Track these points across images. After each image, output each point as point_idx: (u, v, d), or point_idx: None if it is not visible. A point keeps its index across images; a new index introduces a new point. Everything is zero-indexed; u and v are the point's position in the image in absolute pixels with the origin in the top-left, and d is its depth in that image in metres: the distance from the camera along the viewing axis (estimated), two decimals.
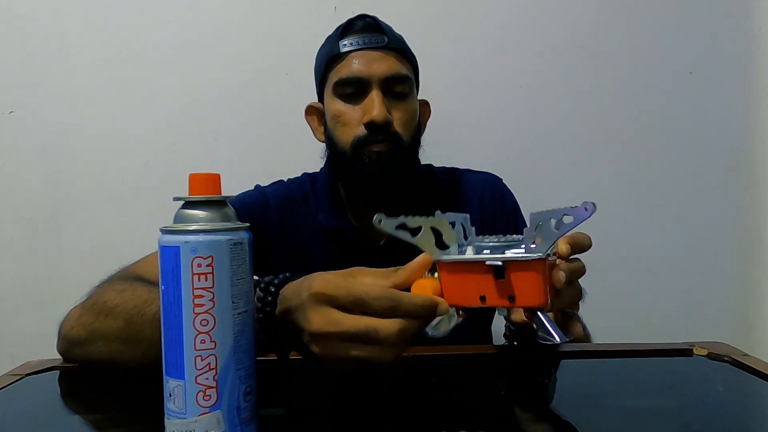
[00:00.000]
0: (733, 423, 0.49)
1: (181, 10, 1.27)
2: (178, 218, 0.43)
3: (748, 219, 1.34)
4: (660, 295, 1.32)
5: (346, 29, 0.86)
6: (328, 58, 0.86)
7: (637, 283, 1.30)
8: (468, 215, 0.53)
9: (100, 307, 0.62)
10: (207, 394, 0.40)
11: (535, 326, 0.47)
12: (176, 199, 0.43)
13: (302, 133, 0.99)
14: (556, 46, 1.30)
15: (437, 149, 0.98)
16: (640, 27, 1.31)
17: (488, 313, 0.56)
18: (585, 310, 0.61)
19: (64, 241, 1.27)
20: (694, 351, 0.67)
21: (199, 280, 0.40)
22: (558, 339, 0.45)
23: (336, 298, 0.46)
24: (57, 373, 0.65)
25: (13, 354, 0.93)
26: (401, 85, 0.84)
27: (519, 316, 0.59)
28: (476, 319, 0.53)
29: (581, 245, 0.52)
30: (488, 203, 0.93)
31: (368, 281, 0.47)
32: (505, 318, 0.66)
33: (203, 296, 0.40)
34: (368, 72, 0.82)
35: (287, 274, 0.54)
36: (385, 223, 0.48)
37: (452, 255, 0.49)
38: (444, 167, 1.00)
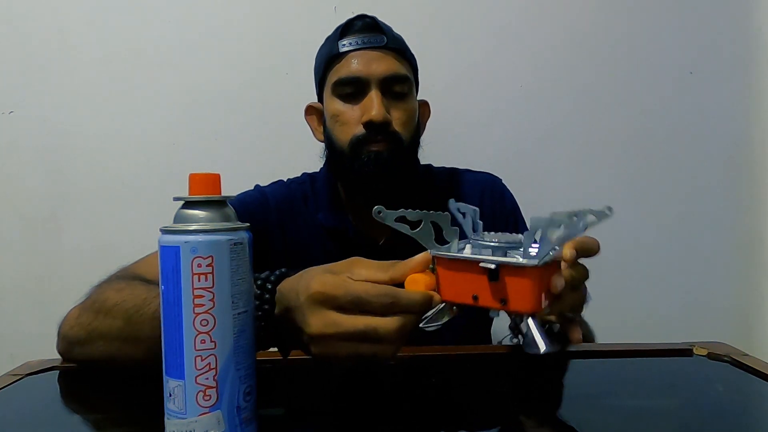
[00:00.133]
0: (733, 423, 0.49)
1: (181, 10, 1.27)
2: (178, 218, 0.43)
3: (748, 219, 1.34)
4: (660, 295, 1.32)
5: (345, 29, 0.86)
6: (328, 58, 0.86)
7: (637, 283, 1.30)
8: (478, 209, 0.53)
9: (99, 306, 0.62)
10: (207, 394, 0.40)
11: (524, 331, 0.46)
12: (176, 199, 0.43)
13: (302, 133, 0.99)
14: (556, 46, 1.30)
15: (437, 149, 0.98)
16: (640, 27, 1.31)
17: (487, 314, 0.55)
18: (585, 310, 0.61)
19: (64, 241, 1.27)
20: (694, 351, 0.67)
21: (199, 280, 0.40)
22: (543, 349, 0.44)
23: (335, 298, 0.46)
24: (57, 373, 0.65)
25: (13, 354, 0.93)
26: (400, 85, 0.84)
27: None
28: (477, 319, 0.52)
29: (588, 249, 0.52)
30: (487, 203, 0.93)
31: (364, 274, 0.48)
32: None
33: (203, 296, 0.40)
34: (367, 72, 0.82)
35: (283, 270, 0.54)
36: (385, 215, 0.48)
37: (450, 251, 0.49)
38: (443, 167, 1.00)
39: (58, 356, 0.68)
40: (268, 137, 1.28)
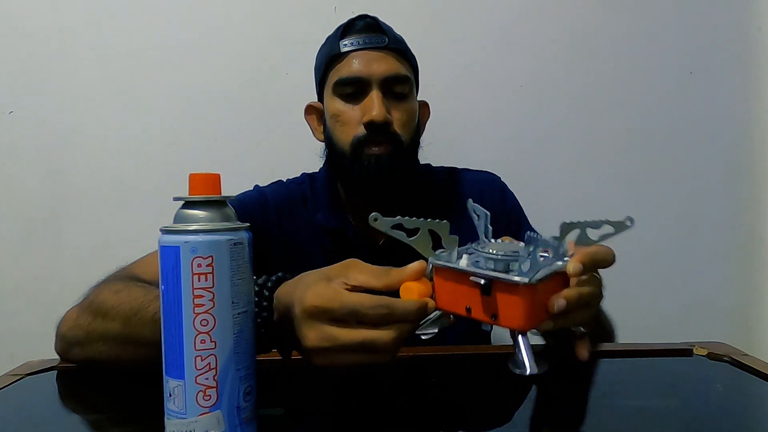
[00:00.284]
0: (733, 423, 0.49)
1: (181, 10, 1.27)
2: (178, 218, 0.43)
3: (749, 219, 1.34)
4: (660, 295, 1.32)
5: (346, 29, 0.86)
6: (329, 58, 0.86)
7: (637, 283, 1.30)
8: (489, 213, 0.52)
9: (96, 307, 0.62)
10: (207, 394, 0.40)
11: (514, 348, 0.45)
12: (176, 199, 0.43)
13: (302, 133, 0.98)
14: (556, 46, 1.30)
15: (437, 149, 0.98)
16: (640, 27, 1.31)
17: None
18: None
19: (64, 241, 1.27)
20: (694, 351, 0.67)
21: (199, 280, 0.40)
22: (529, 371, 0.43)
23: (330, 311, 0.46)
24: (57, 373, 0.65)
25: (13, 354, 0.93)
26: (401, 86, 0.84)
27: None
28: (477, 322, 0.52)
29: (600, 261, 0.49)
30: (486, 202, 0.92)
31: (360, 279, 0.48)
32: None
33: (203, 296, 0.40)
34: (368, 72, 0.82)
35: (280, 275, 0.54)
36: (381, 222, 0.48)
37: (448, 260, 0.48)
38: (442, 166, 0.99)
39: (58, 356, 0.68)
40: (268, 137, 1.28)
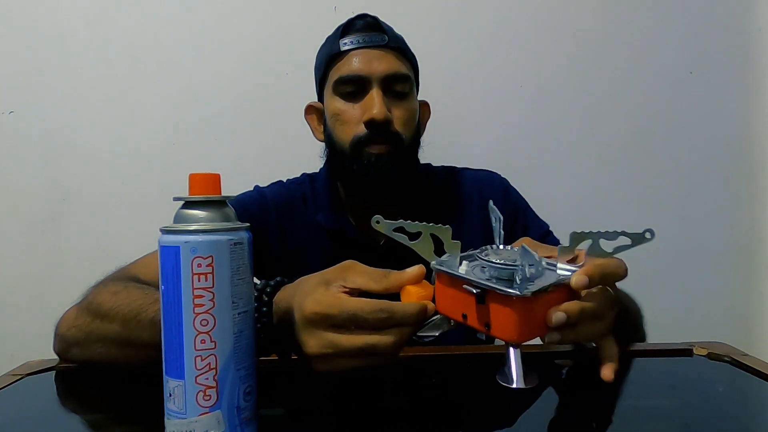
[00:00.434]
0: (733, 423, 0.49)
1: (181, 10, 1.27)
2: (178, 218, 0.43)
3: (748, 219, 1.34)
4: (660, 295, 1.31)
5: (346, 28, 0.85)
6: (329, 57, 0.86)
7: (637, 283, 1.29)
8: (502, 217, 0.51)
9: (95, 309, 0.62)
10: (207, 394, 0.40)
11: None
12: (176, 199, 0.43)
13: (302, 133, 0.98)
14: (556, 46, 1.30)
15: (437, 149, 0.98)
16: (640, 27, 1.31)
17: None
18: None
19: (64, 241, 1.28)
20: (694, 351, 0.66)
21: (199, 280, 0.40)
22: (515, 384, 0.42)
23: (330, 317, 0.46)
24: (57, 373, 0.65)
25: (13, 354, 0.92)
26: (401, 84, 0.84)
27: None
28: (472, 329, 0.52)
29: (609, 275, 0.47)
30: (488, 201, 0.92)
31: (359, 281, 0.48)
32: None
33: (203, 296, 0.40)
34: (368, 70, 0.82)
35: (278, 279, 0.53)
36: (383, 224, 0.48)
37: (449, 266, 0.48)
38: (442, 166, 0.99)
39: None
40: (268, 137, 1.28)
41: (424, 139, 0.93)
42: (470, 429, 0.49)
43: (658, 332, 0.82)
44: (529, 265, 0.41)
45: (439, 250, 0.49)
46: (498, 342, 0.47)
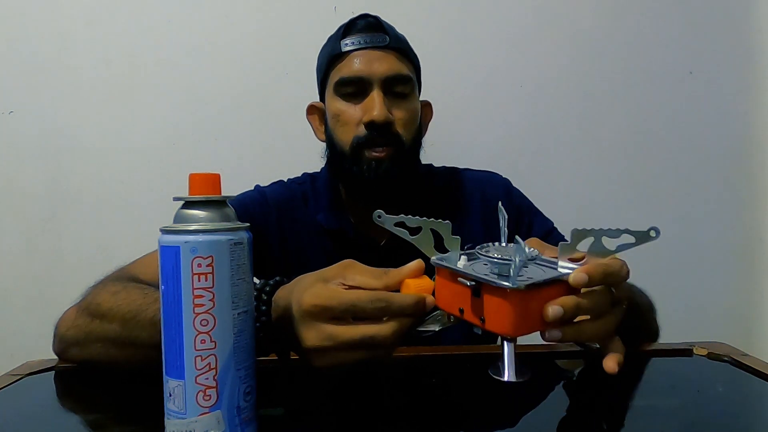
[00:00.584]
0: (733, 423, 0.49)
1: (181, 10, 1.27)
2: (178, 218, 0.43)
3: (749, 219, 1.34)
4: (660, 295, 1.31)
5: (348, 28, 0.85)
6: (330, 57, 0.86)
7: (637, 283, 1.30)
8: (507, 216, 0.51)
9: (94, 309, 0.62)
10: (207, 394, 0.40)
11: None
12: (176, 199, 0.43)
13: (302, 133, 0.99)
14: (556, 47, 1.30)
15: (437, 149, 0.98)
16: (640, 27, 1.31)
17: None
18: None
19: (64, 241, 1.27)
20: (694, 351, 0.67)
21: (199, 280, 0.40)
22: (506, 377, 0.42)
23: (329, 309, 0.46)
24: (57, 373, 0.65)
25: (13, 354, 0.93)
26: (402, 86, 0.84)
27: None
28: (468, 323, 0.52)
29: (609, 275, 0.45)
30: (490, 202, 0.92)
31: (358, 279, 0.48)
32: None
33: (203, 296, 0.40)
34: (369, 71, 0.82)
35: (277, 279, 0.54)
36: (385, 219, 0.48)
37: (446, 261, 0.48)
38: (444, 166, 0.99)
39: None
40: (268, 137, 1.28)
41: (425, 139, 0.93)
42: (470, 429, 0.49)
43: None
44: (522, 259, 0.41)
45: (440, 246, 0.49)
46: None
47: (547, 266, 0.47)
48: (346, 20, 0.87)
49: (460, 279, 0.44)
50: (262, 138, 1.28)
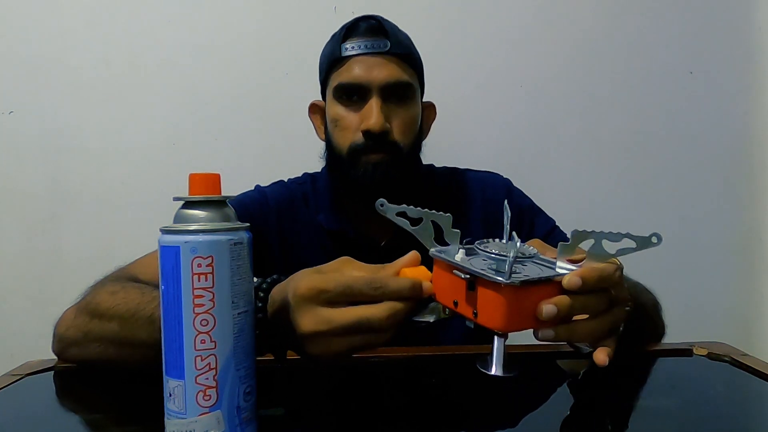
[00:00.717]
0: (733, 423, 0.49)
1: (181, 9, 1.27)
2: (178, 218, 0.43)
3: (748, 219, 1.34)
4: (660, 295, 1.31)
5: (349, 31, 0.84)
6: (330, 60, 0.85)
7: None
8: (510, 214, 0.51)
9: (93, 309, 0.62)
10: (207, 394, 0.40)
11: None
12: (176, 199, 0.43)
13: (302, 133, 0.99)
14: (556, 47, 1.30)
15: (437, 149, 0.98)
16: (640, 27, 1.31)
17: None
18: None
19: (64, 241, 1.27)
20: (694, 351, 0.67)
21: (199, 280, 0.40)
22: (493, 372, 0.43)
23: (324, 291, 0.46)
24: (57, 373, 0.65)
25: (13, 354, 0.93)
26: (402, 92, 0.82)
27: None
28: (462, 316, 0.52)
29: (603, 279, 0.45)
30: (491, 203, 0.92)
31: (355, 274, 0.48)
32: None
33: (203, 296, 0.40)
34: (368, 78, 0.81)
35: (274, 277, 0.54)
36: (387, 208, 0.49)
37: (444, 254, 0.48)
38: (445, 167, 0.99)
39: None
40: (268, 137, 1.28)
41: (428, 140, 0.93)
42: (470, 429, 0.49)
43: None
44: (515, 254, 0.41)
45: (440, 239, 0.50)
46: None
47: (545, 265, 0.47)
48: (347, 20, 0.86)
49: (455, 272, 0.45)
50: (262, 138, 1.28)
